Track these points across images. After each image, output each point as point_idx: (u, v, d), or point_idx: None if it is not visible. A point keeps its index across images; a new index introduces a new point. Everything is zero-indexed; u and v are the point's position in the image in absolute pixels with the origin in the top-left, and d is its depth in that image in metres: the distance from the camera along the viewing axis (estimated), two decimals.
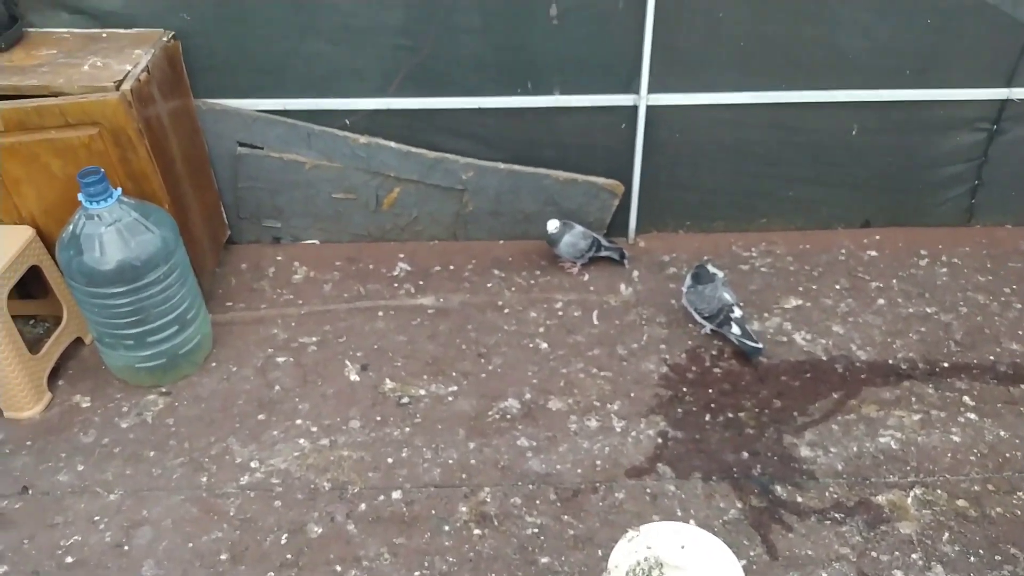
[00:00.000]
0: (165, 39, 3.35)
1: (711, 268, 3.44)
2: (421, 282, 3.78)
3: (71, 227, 2.95)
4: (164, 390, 3.27)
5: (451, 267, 3.87)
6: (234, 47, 3.49)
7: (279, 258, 3.92)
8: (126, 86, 3.02)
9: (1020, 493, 2.83)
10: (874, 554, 2.67)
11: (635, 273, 3.82)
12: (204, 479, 2.93)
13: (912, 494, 2.84)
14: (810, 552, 2.67)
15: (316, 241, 4.00)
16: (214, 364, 3.38)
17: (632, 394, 3.23)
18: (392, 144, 3.70)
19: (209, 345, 3.42)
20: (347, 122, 3.67)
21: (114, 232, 2.93)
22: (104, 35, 3.38)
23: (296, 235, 3.99)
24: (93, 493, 2.90)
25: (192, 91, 3.55)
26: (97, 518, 2.82)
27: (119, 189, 2.99)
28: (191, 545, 2.73)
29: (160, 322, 3.12)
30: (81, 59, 3.19)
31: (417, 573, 2.63)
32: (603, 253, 3.81)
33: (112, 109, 2.99)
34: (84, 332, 3.44)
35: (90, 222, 2.92)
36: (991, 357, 3.35)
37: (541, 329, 3.53)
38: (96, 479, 2.94)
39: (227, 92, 3.60)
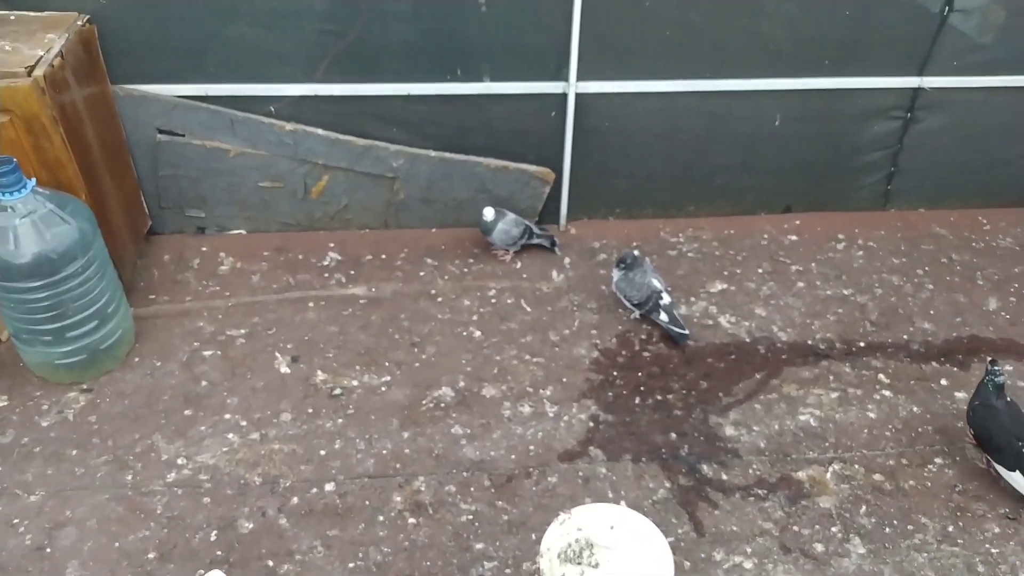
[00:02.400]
0: (79, 22, 3.22)
1: (635, 255, 3.50)
2: (352, 271, 3.75)
3: None
4: (85, 387, 3.17)
5: (383, 256, 3.85)
6: (152, 30, 3.37)
7: (204, 249, 3.83)
8: (38, 72, 2.90)
9: (931, 466, 2.98)
10: (796, 528, 2.78)
11: (566, 260, 3.86)
12: (129, 477, 2.86)
13: (831, 469, 2.97)
14: (735, 528, 2.77)
15: (243, 231, 3.92)
16: (137, 359, 3.29)
17: (564, 379, 3.27)
18: (320, 131, 3.65)
19: (131, 339, 3.32)
20: (272, 109, 3.60)
21: (28, 224, 2.82)
22: (12, 17, 3.23)
23: (221, 225, 3.90)
24: (12, 495, 2.80)
25: (109, 76, 3.43)
26: (16, 520, 2.72)
27: (33, 179, 2.87)
28: (117, 545, 2.66)
29: (79, 317, 3.03)
30: None
31: (352, 564, 2.63)
32: (535, 240, 3.83)
33: (24, 96, 2.87)
34: (0, 328, 3.31)
35: (3, 214, 2.80)
36: (905, 336, 3.51)
37: (474, 317, 3.55)
38: (15, 480, 2.84)
39: (146, 77, 3.49)
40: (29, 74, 2.89)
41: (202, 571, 2.53)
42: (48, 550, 2.64)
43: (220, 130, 3.60)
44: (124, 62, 3.42)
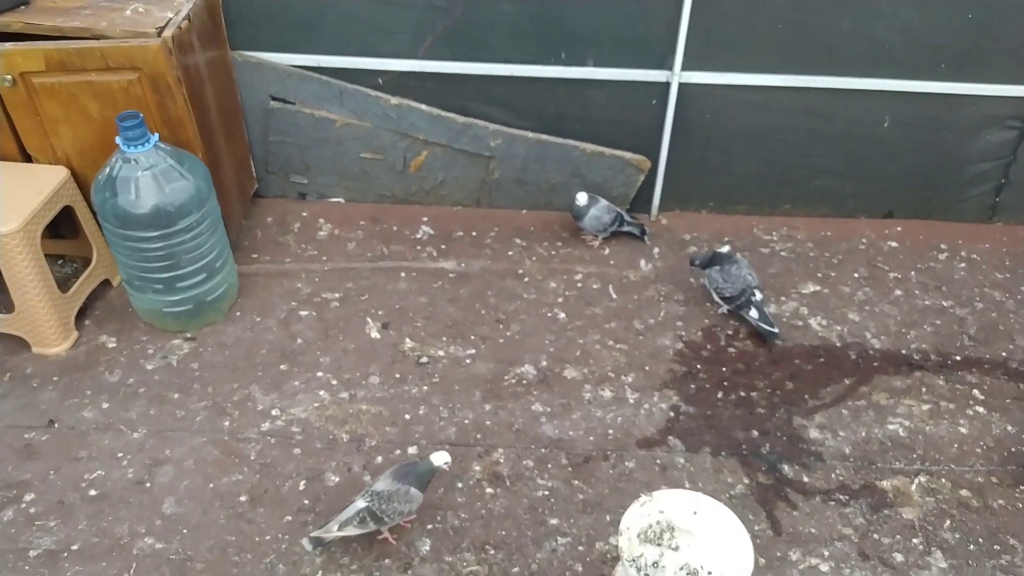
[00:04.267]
0: None
1: (726, 250, 3.47)
2: (443, 246, 3.83)
3: (107, 169, 3.00)
4: (189, 335, 3.33)
5: (473, 233, 3.91)
6: (272, 1, 3.50)
7: (304, 214, 3.97)
8: (167, 33, 3.05)
9: (1023, 487, 2.88)
10: (876, 536, 2.73)
11: (655, 250, 3.86)
12: (226, 423, 3.01)
13: (917, 481, 2.90)
14: (813, 530, 2.74)
15: (341, 199, 4.04)
16: (239, 313, 3.44)
17: (647, 367, 3.28)
18: (423, 107, 3.73)
19: (235, 294, 3.48)
20: (380, 81, 3.70)
21: (150, 177, 2.98)
22: None
23: (322, 192, 4.03)
24: (117, 430, 2.97)
25: (229, 42, 3.58)
26: (120, 454, 2.90)
27: (156, 135, 3.03)
28: (211, 486, 2.81)
29: (189, 268, 3.18)
30: (123, 3, 3.22)
31: (430, 526, 2.70)
32: (625, 228, 3.84)
33: (153, 55, 3.02)
34: (112, 274, 3.50)
35: (127, 165, 2.97)
36: (1003, 353, 3.39)
37: (560, 299, 3.58)
38: (120, 417, 3.02)
39: (263, 45, 3.62)
40: (159, 35, 3.05)
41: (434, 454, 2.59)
42: (147, 484, 2.81)
43: (329, 100, 3.71)
44: (244, 29, 3.56)
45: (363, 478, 2.83)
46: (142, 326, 3.36)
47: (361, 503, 2.53)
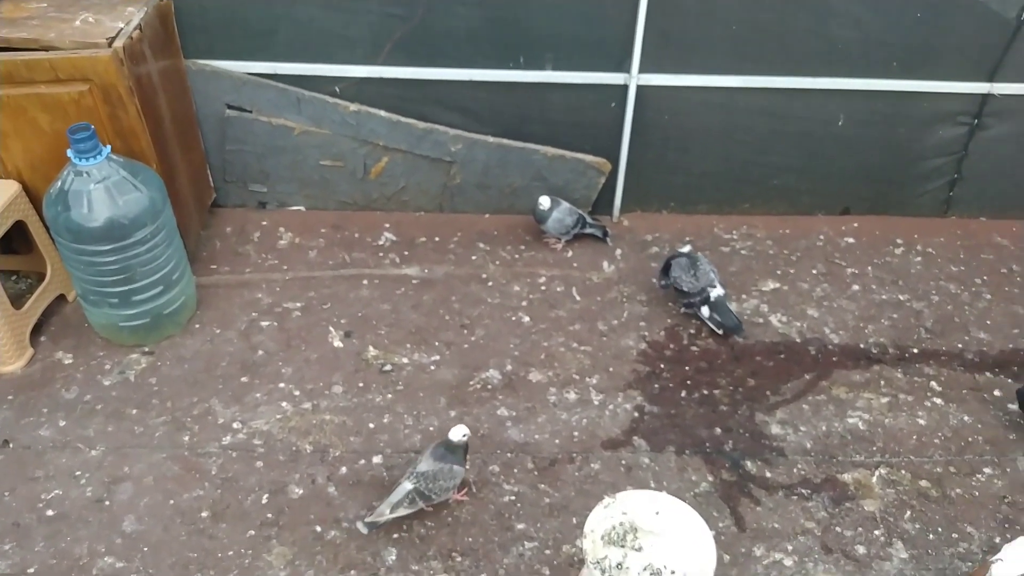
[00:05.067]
0: None
1: (687, 249, 3.50)
2: (406, 252, 3.81)
3: (59, 183, 2.95)
4: (147, 349, 3.28)
5: (436, 238, 3.90)
6: (226, 8, 3.47)
7: (264, 223, 3.93)
8: (118, 43, 3.00)
9: (980, 476, 2.94)
10: (838, 529, 2.76)
11: (618, 251, 3.88)
12: (186, 438, 2.96)
13: (877, 473, 2.94)
14: (777, 525, 2.77)
15: (302, 207, 4.01)
16: (197, 326, 3.39)
17: (611, 369, 3.29)
18: (382, 113, 3.71)
19: (193, 306, 3.43)
20: (337, 89, 3.67)
21: (102, 190, 2.93)
22: None
23: (282, 200, 3.99)
24: (74, 448, 2.92)
25: (182, 51, 3.54)
26: (78, 473, 2.84)
27: (108, 147, 2.98)
28: (172, 502, 2.77)
29: (145, 281, 3.13)
30: (72, 14, 3.16)
31: (396, 535, 2.69)
32: (587, 230, 3.85)
33: (104, 66, 2.98)
34: (67, 289, 3.44)
35: (79, 178, 2.92)
36: (959, 345, 3.45)
37: (524, 303, 3.58)
38: (78, 435, 2.96)
39: (217, 53, 3.59)
40: (109, 45, 3.00)
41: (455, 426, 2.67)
42: (107, 503, 2.76)
43: (286, 108, 3.69)
44: (198, 38, 3.52)
45: (327, 490, 2.81)
46: (99, 341, 3.30)
47: (408, 485, 2.62)
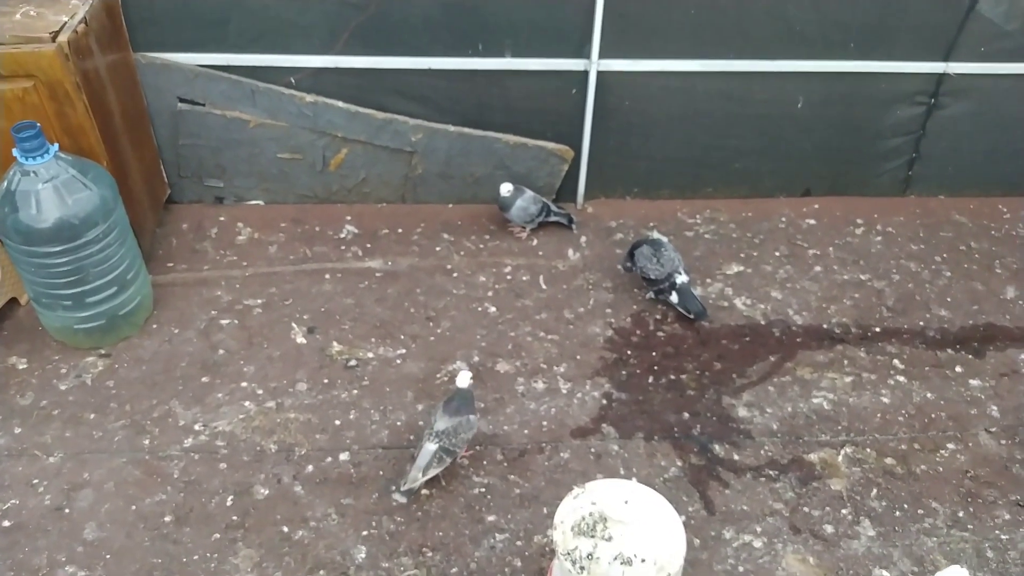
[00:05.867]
0: None
1: (656, 235, 3.50)
2: (369, 245, 3.76)
3: (5, 183, 2.85)
4: (103, 352, 3.20)
5: (399, 230, 3.85)
6: None
7: (222, 219, 3.85)
8: (63, 37, 2.91)
9: (943, 451, 2.98)
10: (806, 509, 2.79)
11: (583, 238, 3.86)
12: (146, 441, 2.90)
13: (843, 452, 2.97)
14: (745, 507, 2.78)
15: (260, 202, 3.93)
16: (155, 326, 3.32)
17: (578, 357, 3.28)
18: (340, 104, 3.65)
19: (149, 306, 3.35)
20: (293, 80, 3.60)
21: (51, 189, 2.84)
22: None
23: (239, 195, 3.91)
24: (31, 456, 2.84)
25: (131, 44, 3.43)
26: (36, 481, 2.76)
27: (56, 145, 2.89)
28: (134, 507, 2.70)
29: (99, 282, 3.05)
30: (12, 7, 3.05)
31: (365, 532, 2.66)
32: (552, 218, 3.83)
33: (48, 61, 2.88)
34: (20, 292, 3.34)
35: (26, 179, 2.83)
36: (920, 323, 3.50)
37: (490, 293, 3.56)
38: (34, 441, 2.88)
39: (168, 46, 3.49)
40: (53, 40, 2.90)
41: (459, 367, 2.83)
42: (67, 510, 2.69)
43: (240, 100, 3.60)
44: (147, 30, 3.42)
45: (294, 489, 2.76)
46: (53, 344, 3.21)
47: (432, 446, 2.69)
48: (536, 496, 2.79)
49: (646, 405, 3.11)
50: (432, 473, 2.70)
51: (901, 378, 3.25)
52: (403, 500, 2.73)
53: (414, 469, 2.69)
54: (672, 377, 3.22)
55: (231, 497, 2.74)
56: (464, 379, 2.78)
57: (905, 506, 2.81)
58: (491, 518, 2.72)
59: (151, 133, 3.66)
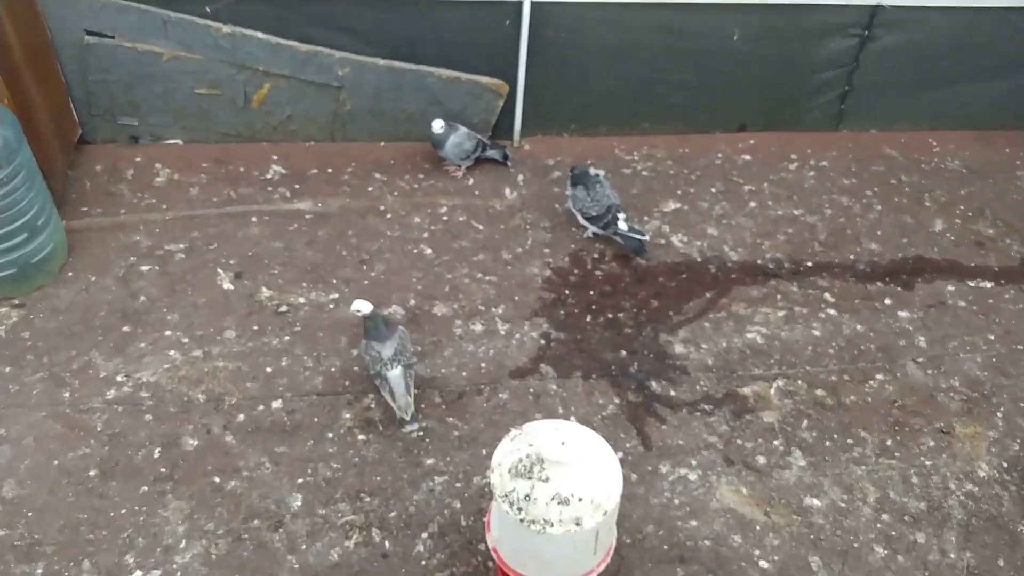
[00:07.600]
0: None
1: (592, 171, 3.44)
2: (297, 186, 3.62)
3: None
4: (17, 302, 3.03)
5: (329, 170, 3.71)
6: None
7: (138, 159, 3.65)
8: None
9: (872, 382, 3.06)
10: (739, 441, 2.84)
11: (520, 177, 3.79)
12: (67, 394, 2.77)
13: (775, 385, 3.02)
14: (681, 442, 2.82)
15: (179, 141, 3.73)
16: (71, 274, 3.15)
17: (516, 298, 3.24)
18: (260, 35, 3.45)
19: (64, 253, 3.18)
20: (208, 9, 3.38)
21: None
22: None
23: (156, 134, 3.70)
24: None
25: None
26: None
27: None
28: (56, 462, 2.60)
29: (7, 229, 2.88)
30: None
31: (300, 480, 2.61)
32: (488, 154, 3.74)
33: None
34: None
35: None
36: (851, 256, 3.55)
37: (425, 234, 3.47)
38: None
39: None
40: None
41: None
42: None
43: (152, 32, 3.38)
44: None
45: (224, 439, 2.69)
46: None
47: (397, 370, 2.70)
48: (475, 438, 2.77)
49: (584, 344, 3.10)
50: (414, 391, 2.75)
51: (832, 311, 3.31)
52: (415, 427, 2.74)
53: (399, 398, 2.70)
54: (610, 316, 3.21)
55: (158, 449, 2.65)
56: (364, 306, 2.76)
57: (835, 436, 2.88)
58: (429, 461, 2.70)
59: (57, 69, 3.42)
